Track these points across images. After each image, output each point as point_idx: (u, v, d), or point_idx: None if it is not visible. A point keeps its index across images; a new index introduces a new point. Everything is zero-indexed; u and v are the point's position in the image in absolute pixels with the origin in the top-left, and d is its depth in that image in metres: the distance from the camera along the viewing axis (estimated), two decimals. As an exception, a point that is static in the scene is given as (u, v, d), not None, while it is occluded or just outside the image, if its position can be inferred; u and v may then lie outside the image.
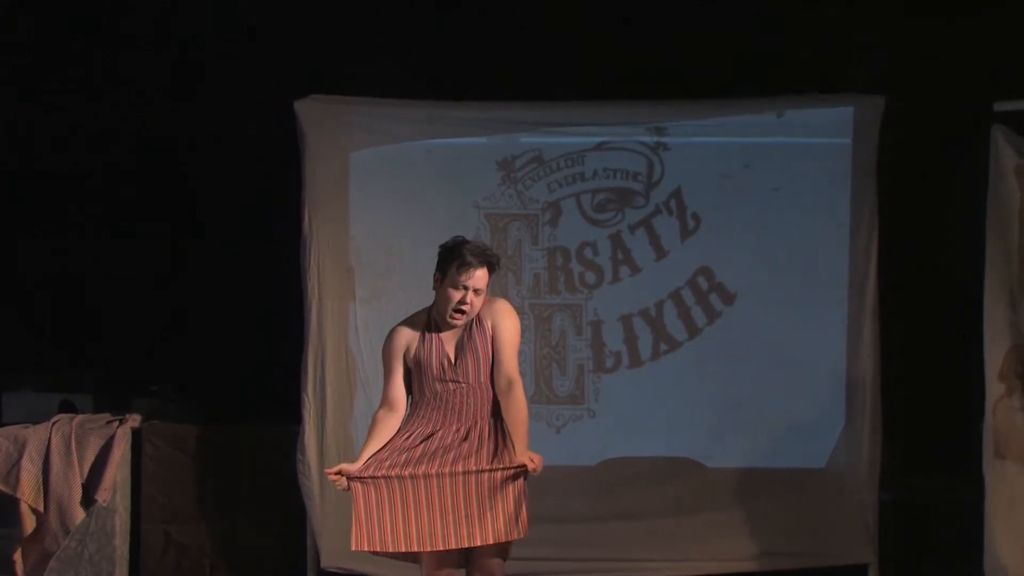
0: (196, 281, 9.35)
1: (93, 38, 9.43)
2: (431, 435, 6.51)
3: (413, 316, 6.68)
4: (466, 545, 6.42)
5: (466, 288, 6.47)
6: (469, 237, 6.80)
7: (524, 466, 6.38)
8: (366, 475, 6.40)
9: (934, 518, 8.34)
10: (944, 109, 8.51)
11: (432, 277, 6.60)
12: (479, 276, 6.49)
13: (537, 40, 8.87)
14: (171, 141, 9.46)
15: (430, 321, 6.61)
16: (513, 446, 6.49)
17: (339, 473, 6.41)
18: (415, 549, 6.43)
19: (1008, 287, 7.70)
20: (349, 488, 6.40)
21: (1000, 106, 7.70)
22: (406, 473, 6.39)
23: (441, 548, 6.39)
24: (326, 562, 8.40)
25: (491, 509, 6.38)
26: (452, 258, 6.48)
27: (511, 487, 6.40)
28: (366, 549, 6.42)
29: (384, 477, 6.39)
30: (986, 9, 8.45)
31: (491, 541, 6.41)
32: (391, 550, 6.42)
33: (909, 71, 8.61)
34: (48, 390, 9.02)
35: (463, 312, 6.51)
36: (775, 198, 8.51)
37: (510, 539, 6.45)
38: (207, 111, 9.29)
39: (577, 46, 8.81)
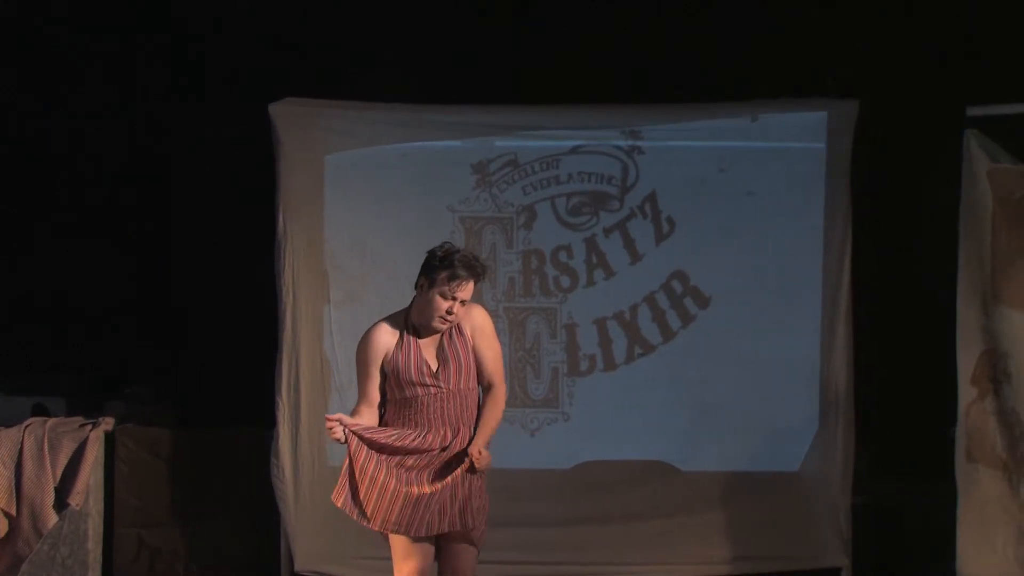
0: (170, 284, 9.34)
1: (68, 40, 9.43)
2: (417, 440, 6.53)
3: (390, 318, 6.64)
4: (424, 533, 6.47)
5: (455, 299, 6.48)
6: (443, 240, 6.78)
7: (469, 454, 6.47)
8: (365, 435, 6.43)
9: (907, 522, 8.37)
10: (917, 113, 8.55)
11: (415, 280, 6.54)
12: (469, 288, 6.51)
13: (512, 43, 8.89)
14: (144, 144, 9.46)
15: (408, 325, 6.60)
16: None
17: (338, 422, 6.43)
18: (379, 529, 6.50)
19: (981, 291, 7.72)
20: (344, 440, 6.41)
21: (973, 111, 7.72)
22: (396, 443, 6.45)
23: (405, 534, 6.47)
24: (300, 565, 8.40)
25: (451, 499, 6.47)
26: (443, 267, 6.45)
27: (465, 478, 6.49)
28: (340, 506, 6.48)
29: (378, 446, 6.43)
30: (959, 14, 8.48)
31: (446, 529, 6.49)
32: (360, 522, 6.49)
33: (882, 75, 8.64)
34: (21, 393, 9.00)
35: (448, 321, 6.53)
36: (749, 202, 8.52)
37: (464, 529, 6.52)
38: (181, 114, 9.30)
39: (552, 49, 8.82)
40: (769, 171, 8.51)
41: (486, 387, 6.63)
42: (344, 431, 6.40)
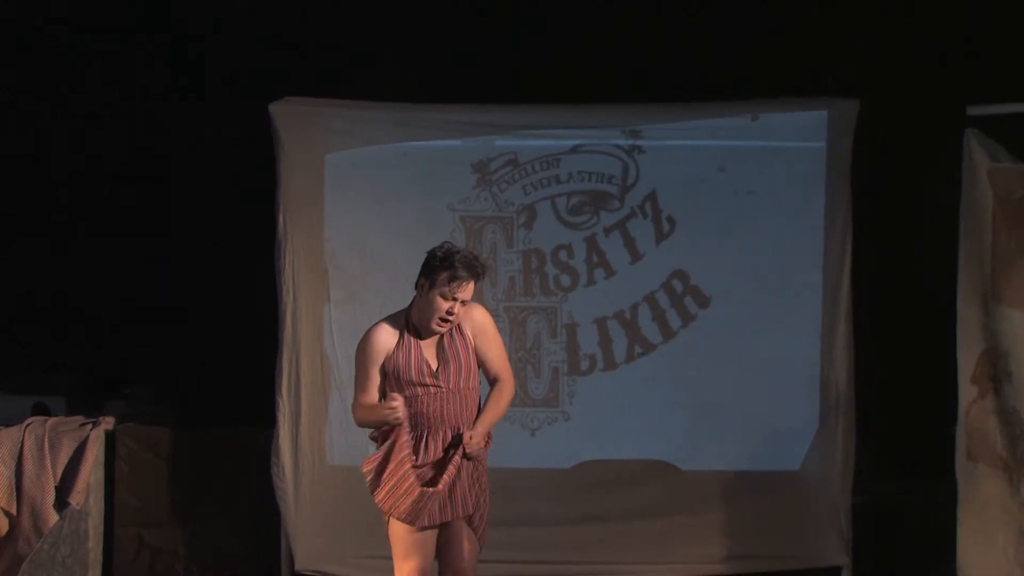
0: (171, 284, 9.33)
1: (68, 40, 9.43)
2: (420, 454, 6.56)
3: (390, 318, 6.67)
4: (427, 523, 6.53)
5: (455, 299, 6.49)
6: (443, 240, 6.80)
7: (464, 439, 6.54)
8: (404, 437, 6.51)
9: (907, 522, 8.37)
10: (917, 113, 8.55)
11: (416, 280, 6.58)
12: (470, 288, 6.53)
13: (512, 43, 8.88)
14: (144, 144, 9.46)
15: (409, 325, 6.61)
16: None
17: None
18: (386, 510, 6.58)
19: (981, 290, 7.71)
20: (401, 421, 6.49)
21: (973, 110, 7.72)
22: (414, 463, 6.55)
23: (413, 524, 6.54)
24: (300, 564, 8.41)
25: (450, 488, 6.53)
26: (443, 268, 6.48)
27: (462, 465, 6.55)
28: (364, 471, 6.57)
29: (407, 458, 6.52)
30: (959, 14, 8.49)
31: (449, 518, 6.54)
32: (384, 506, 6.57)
33: (882, 75, 8.64)
34: (21, 393, 9.00)
35: (449, 322, 6.54)
36: (750, 201, 8.52)
37: (465, 514, 6.58)
38: (181, 114, 9.29)
39: (552, 49, 8.82)
40: (769, 170, 8.51)
41: (492, 380, 6.69)
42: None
